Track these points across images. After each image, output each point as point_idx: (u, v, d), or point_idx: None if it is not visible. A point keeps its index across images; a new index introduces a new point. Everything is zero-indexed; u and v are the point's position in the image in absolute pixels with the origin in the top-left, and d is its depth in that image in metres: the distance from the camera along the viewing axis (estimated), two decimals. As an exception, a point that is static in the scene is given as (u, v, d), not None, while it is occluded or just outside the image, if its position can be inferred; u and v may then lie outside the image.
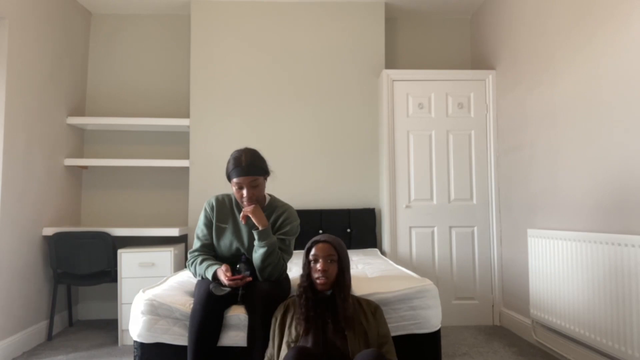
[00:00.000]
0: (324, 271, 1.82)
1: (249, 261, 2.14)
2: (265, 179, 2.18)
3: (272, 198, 2.30)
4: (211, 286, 1.95)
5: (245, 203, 2.12)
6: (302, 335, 1.79)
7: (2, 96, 3.01)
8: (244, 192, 2.10)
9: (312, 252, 1.87)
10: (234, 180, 2.10)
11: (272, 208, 2.24)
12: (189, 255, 2.23)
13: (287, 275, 2.29)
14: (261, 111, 4.02)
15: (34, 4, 3.33)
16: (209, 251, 2.23)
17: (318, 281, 1.83)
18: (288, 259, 2.23)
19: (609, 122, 2.44)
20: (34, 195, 3.36)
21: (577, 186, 2.71)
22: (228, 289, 1.94)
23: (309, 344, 1.77)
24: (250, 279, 2.01)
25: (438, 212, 3.76)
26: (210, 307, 1.95)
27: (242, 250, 2.19)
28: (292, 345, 1.78)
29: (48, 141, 3.56)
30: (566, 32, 2.83)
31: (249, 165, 2.09)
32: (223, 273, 2.00)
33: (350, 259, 1.97)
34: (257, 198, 2.14)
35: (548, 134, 3.02)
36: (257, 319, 1.92)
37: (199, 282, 2.11)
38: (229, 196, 2.29)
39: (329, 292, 1.86)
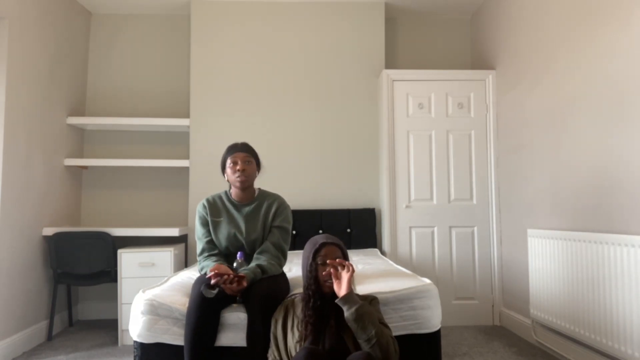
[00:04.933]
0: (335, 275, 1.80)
1: (246, 256, 2.17)
2: (257, 167, 2.31)
3: (262, 190, 2.38)
4: (201, 288, 1.92)
5: (239, 178, 2.20)
6: (308, 335, 1.77)
7: (2, 96, 3.01)
8: (238, 166, 2.20)
9: (321, 254, 1.84)
10: (229, 158, 2.23)
11: (262, 198, 2.32)
12: (198, 259, 2.25)
13: (285, 275, 2.30)
14: (261, 111, 4.02)
15: (34, 4, 3.33)
16: (215, 246, 2.26)
17: (328, 284, 1.80)
18: (287, 248, 2.29)
19: (609, 121, 2.44)
20: (34, 195, 3.36)
21: (577, 186, 2.71)
22: (215, 291, 1.90)
23: (313, 343, 1.76)
24: (236, 280, 1.94)
25: (438, 212, 3.76)
26: (205, 306, 1.93)
27: (240, 237, 2.22)
28: (297, 345, 1.78)
29: (48, 141, 3.56)
30: (566, 32, 2.83)
31: (244, 145, 2.28)
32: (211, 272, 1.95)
33: (350, 258, 1.97)
34: (249, 177, 2.24)
35: (548, 134, 3.02)
36: (257, 318, 1.92)
37: (195, 281, 2.10)
38: (219, 195, 2.35)
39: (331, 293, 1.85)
